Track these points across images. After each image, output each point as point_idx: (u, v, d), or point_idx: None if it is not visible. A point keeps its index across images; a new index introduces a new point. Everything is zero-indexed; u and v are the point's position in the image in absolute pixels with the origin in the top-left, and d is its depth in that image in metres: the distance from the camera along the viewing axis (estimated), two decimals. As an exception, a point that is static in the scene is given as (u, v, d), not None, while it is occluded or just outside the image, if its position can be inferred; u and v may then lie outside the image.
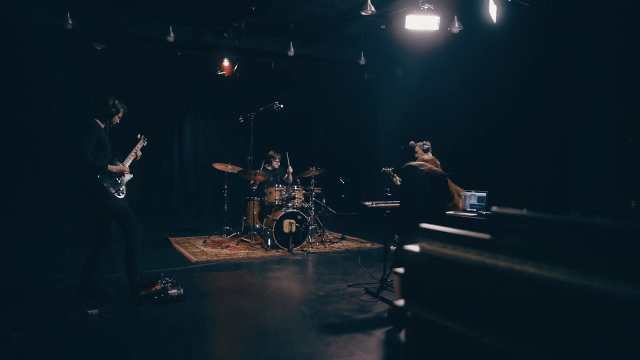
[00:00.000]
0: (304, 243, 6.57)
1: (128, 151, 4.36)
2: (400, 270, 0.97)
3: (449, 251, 0.82)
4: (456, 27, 6.73)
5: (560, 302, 0.69)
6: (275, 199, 6.73)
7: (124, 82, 8.60)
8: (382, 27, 7.91)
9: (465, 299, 0.80)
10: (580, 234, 0.74)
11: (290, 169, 7.39)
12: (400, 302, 0.91)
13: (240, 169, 6.93)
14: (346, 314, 3.83)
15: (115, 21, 7.53)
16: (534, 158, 6.45)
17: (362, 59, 8.82)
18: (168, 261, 5.67)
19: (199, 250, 6.37)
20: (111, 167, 4.00)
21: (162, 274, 4.18)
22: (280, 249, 6.37)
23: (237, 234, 6.99)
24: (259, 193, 7.04)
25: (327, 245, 6.90)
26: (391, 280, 4.30)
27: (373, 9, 6.26)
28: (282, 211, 6.39)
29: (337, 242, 7.15)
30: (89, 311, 3.63)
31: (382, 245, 4.76)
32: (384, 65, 9.63)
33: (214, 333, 3.55)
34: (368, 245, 7.06)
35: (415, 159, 3.94)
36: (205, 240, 6.92)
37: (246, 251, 6.30)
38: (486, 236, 0.78)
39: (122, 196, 4.10)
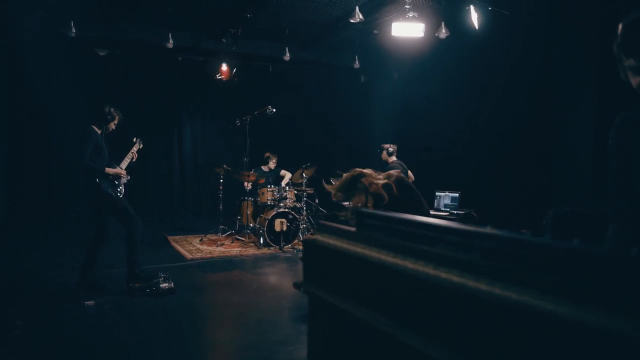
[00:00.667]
0: (295, 241, 6.85)
1: (126, 154, 4.67)
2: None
3: (330, 240, 1.09)
4: (443, 33, 6.97)
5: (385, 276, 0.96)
6: (268, 199, 7.02)
7: (124, 86, 8.82)
8: (375, 32, 8.16)
9: (338, 278, 1.07)
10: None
11: (288, 175, 7.73)
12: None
13: (230, 169, 7.23)
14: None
15: (116, 27, 7.79)
16: (518, 161, 6.67)
17: (357, 62, 9.07)
18: (165, 259, 5.95)
19: (195, 248, 6.67)
20: (108, 170, 4.30)
21: (159, 273, 4.47)
22: (272, 246, 6.65)
23: (232, 233, 7.29)
24: (253, 193, 7.34)
25: (318, 244, 7.16)
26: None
27: (361, 16, 6.54)
28: (273, 211, 6.68)
29: (328, 241, 7.39)
30: (86, 303, 3.94)
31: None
32: (378, 69, 9.87)
33: (202, 322, 3.84)
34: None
35: (384, 162, 4.19)
36: (202, 239, 7.22)
37: (239, 249, 6.59)
38: (352, 229, 1.05)
39: (120, 196, 4.41)
